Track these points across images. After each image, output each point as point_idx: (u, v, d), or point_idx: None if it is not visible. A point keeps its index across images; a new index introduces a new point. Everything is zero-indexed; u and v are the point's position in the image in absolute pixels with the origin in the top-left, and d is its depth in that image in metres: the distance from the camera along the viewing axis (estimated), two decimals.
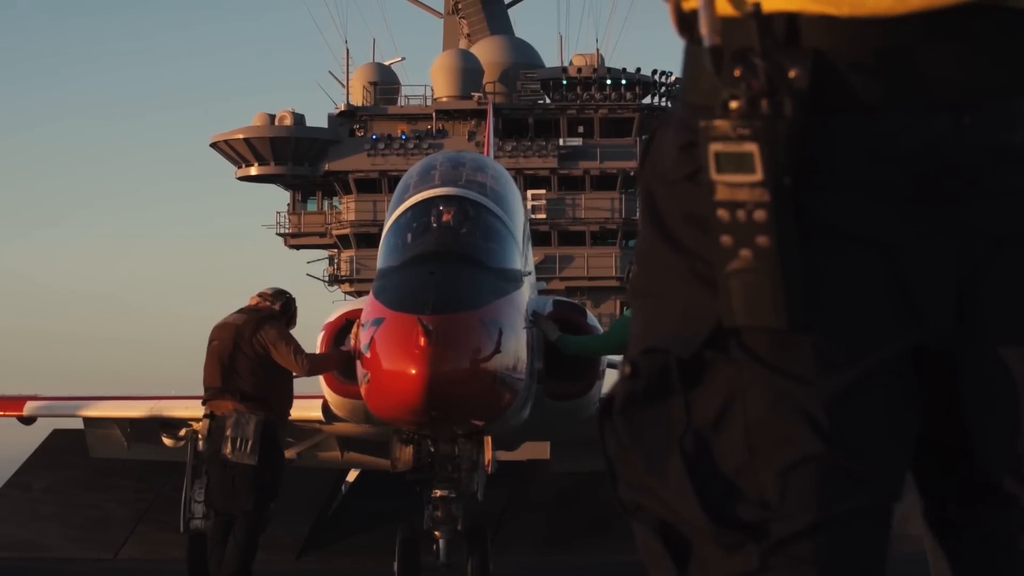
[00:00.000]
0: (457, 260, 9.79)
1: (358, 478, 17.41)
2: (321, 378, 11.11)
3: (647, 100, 54.21)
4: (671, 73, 54.32)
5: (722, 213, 1.62)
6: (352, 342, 10.37)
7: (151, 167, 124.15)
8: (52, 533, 16.97)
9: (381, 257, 10.32)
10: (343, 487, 17.85)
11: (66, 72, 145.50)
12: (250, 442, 10.20)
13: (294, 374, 10.70)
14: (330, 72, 60.88)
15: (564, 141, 53.42)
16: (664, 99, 54.59)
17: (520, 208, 11.24)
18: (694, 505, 1.66)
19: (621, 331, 10.47)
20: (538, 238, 39.58)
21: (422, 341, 8.83)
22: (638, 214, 1.81)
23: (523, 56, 56.31)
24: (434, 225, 10.11)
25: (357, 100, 54.91)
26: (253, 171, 53.68)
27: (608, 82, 53.73)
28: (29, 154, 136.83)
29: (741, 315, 1.63)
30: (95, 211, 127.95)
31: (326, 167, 53.30)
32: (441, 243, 9.94)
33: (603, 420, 1.75)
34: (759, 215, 1.60)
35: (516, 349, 9.76)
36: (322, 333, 11.03)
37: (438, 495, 10.05)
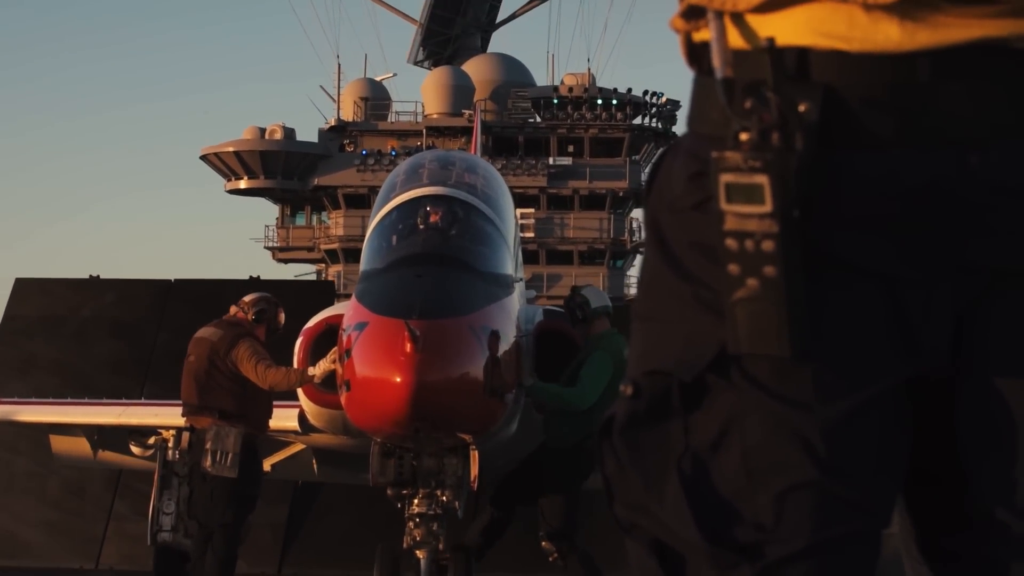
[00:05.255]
0: (445, 263, 9.29)
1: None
2: None
3: (637, 120, 54.39)
4: (662, 94, 54.62)
5: (730, 242, 1.65)
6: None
7: (140, 177, 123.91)
8: (30, 518, 16.49)
9: (365, 259, 9.81)
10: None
11: (52, 82, 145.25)
12: (230, 455, 10.28)
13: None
14: (321, 87, 60.79)
15: (554, 160, 53.47)
16: (655, 120, 54.66)
17: (511, 211, 10.74)
18: (690, 525, 1.69)
19: (594, 382, 9.96)
20: (526, 257, 39.30)
21: (408, 347, 8.32)
22: (644, 240, 1.84)
23: (514, 74, 56.33)
24: (421, 226, 9.62)
25: (348, 115, 54.95)
26: (242, 184, 53.76)
27: (599, 102, 53.82)
28: (14, 167, 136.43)
29: (746, 342, 1.67)
30: (82, 219, 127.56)
31: (315, 182, 53.28)
32: (429, 245, 9.45)
33: (602, 439, 1.77)
34: (767, 245, 1.63)
35: (507, 359, 9.23)
36: (301, 339, 10.51)
37: (419, 512, 9.51)
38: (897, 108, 1.67)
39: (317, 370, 10.03)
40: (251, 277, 20.07)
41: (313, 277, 54.85)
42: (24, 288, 18.66)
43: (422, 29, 59.16)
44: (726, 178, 1.64)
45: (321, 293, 20.28)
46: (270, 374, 10.27)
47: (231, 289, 17.72)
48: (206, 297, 17.39)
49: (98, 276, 19.46)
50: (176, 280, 19.08)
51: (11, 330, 18.22)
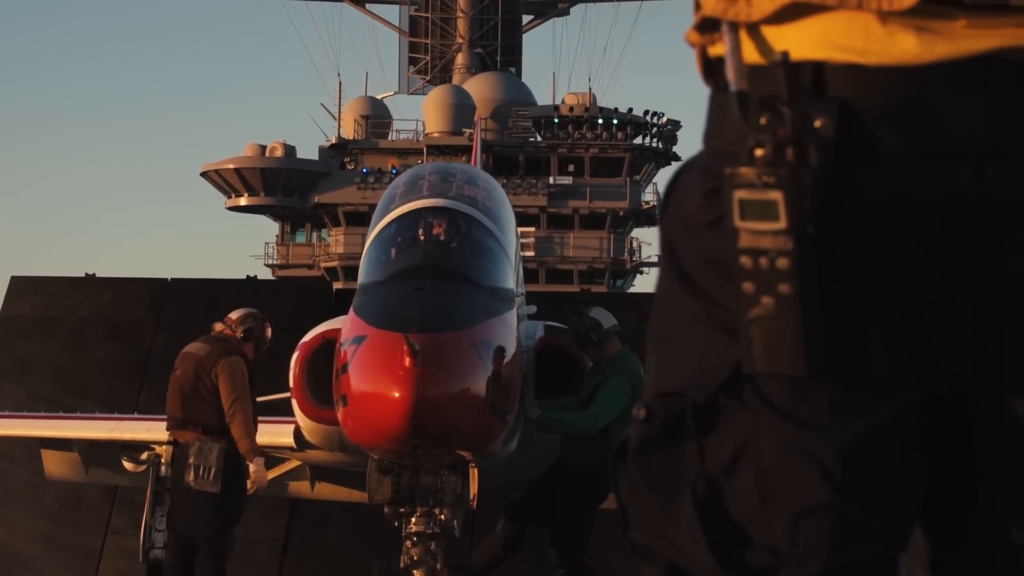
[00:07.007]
0: (446, 276, 9.14)
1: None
2: (294, 402, 10.51)
3: (638, 140, 54.48)
4: (663, 114, 54.68)
5: (745, 260, 1.62)
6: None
7: (139, 193, 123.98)
8: (26, 531, 16.31)
9: (363, 271, 9.65)
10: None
11: (52, 95, 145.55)
12: (213, 470, 10.33)
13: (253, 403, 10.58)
14: (322, 104, 60.60)
15: (554, 179, 53.52)
16: (655, 140, 54.72)
17: (512, 224, 10.59)
18: (704, 550, 1.67)
19: (608, 408, 9.82)
20: (526, 276, 39.19)
21: (407, 362, 8.14)
22: (657, 259, 1.82)
23: (516, 93, 56.39)
24: (421, 238, 9.47)
25: (348, 133, 55.06)
26: (243, 201, 53.88)
27: (600, 121, 53.90)
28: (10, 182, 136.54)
29: (761, 362, 1.63)
30: (79, 237, 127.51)
31: (316, 199, 53.37)
32: (429, 257, 9.29)
33: (617, 463, 1.76)
34: (782, 263, 1.60)
35: (508, 374, 9.05)
36: (297, 353, 10.33)
37: (417, 531, 9.31)
38: (913, 122, 1.64)
39: (259, 470, 10.25)
40: (248, 276, 19.95)
41: None
42: (20, 287, 18.45)
43: (405, 60, 59.45)
44: (740, 194, 1.61)
45: (320, 293, 19.98)
46: (237, 419, 10.26)
47: (228, 289, 17.58)
48: (203, 297, 17.23)
49: (94, 274, 19.16)
50: (172, 279, 18.84)
51: (7, 331, 17.98)
